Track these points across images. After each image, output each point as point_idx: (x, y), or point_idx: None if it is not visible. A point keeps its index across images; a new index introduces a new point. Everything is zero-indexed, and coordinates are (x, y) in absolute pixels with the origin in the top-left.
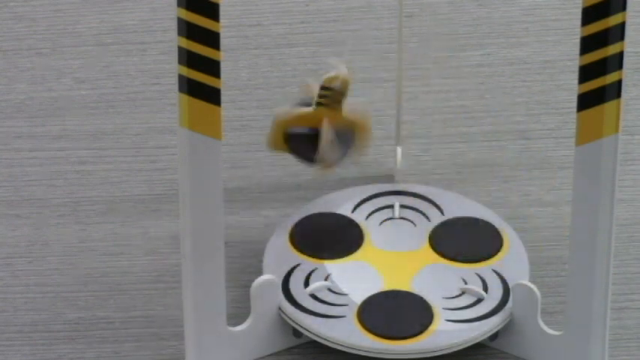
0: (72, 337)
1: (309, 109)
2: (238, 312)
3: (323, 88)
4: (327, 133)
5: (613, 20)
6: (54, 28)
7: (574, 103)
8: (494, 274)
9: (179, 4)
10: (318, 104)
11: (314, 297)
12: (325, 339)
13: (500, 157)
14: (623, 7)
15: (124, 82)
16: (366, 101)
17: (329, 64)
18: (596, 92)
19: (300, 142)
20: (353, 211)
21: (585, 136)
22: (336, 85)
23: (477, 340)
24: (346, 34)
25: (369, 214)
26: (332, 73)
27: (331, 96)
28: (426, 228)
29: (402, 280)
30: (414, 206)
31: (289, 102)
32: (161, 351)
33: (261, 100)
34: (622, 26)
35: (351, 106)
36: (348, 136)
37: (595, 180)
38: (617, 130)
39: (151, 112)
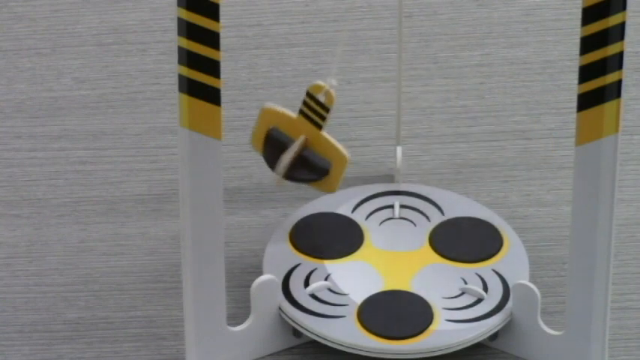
0: (72, 337)
1: (294, 115)
2: (238, 312)
3: (307, 94)
4: (294, 149)
5: (613, 20)
6: (54, 28)
7: (574, 103)
8: (494, 274)
9: (179, 4)
10: (300, 112)
11: (314, 297)
12: (325, 339)
13: (500, 157)
14: (623, 7)
15: (124, 82)
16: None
17: (326, 80)
18: (596, 92)
19: (273, 145)
20: (353, 211)
21: (585, 136)
22: (319, 95)
23: (477, 340)
24: (343, 34)
25: (369, 214)
26: (318, 82)
27: (312, 107)
28: (426, 228)
29: (402, 280)
30: (414, 206)
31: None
32: (161, 351)
33: (261, 100)
34: (622, 26)
35: (337, 141)
36: (320, 163)
37: (595, 180)
38: (617, 130)
39: (151, 112)
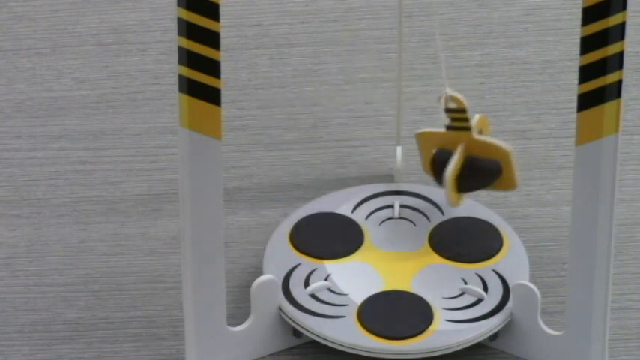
0: (72, 337)
1: (449, 132)
2: (238, 312)
3: (446, 111)
4: (455, 160)
5: (613, 20)
6: (54, 28)
7: (574, 103)
8: (494, 274)
9: (179, 4)
10: (449, 128)
11: (314, 297)
12: (325, 339)
13: None
14: (623, 7)
15: (124, 82)
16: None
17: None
18: (596, 92)
19: (439, 164)
20: (353, 211)
21: (585, 136)
22: (450, 106)
23: (477, 340)
24: (439, 41)
25: (369, 214)
26: (441, 96)
27: (456, 117)
28: (426, 228)
29: (402, 280)
30: (414, 206)
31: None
32: (161, 351)
33: (261, 100)
34: (622, 26)
35: (492, 137)
36: (489, 165)
37: (595, 180)
38: (617, 130)
39: (151, 112)
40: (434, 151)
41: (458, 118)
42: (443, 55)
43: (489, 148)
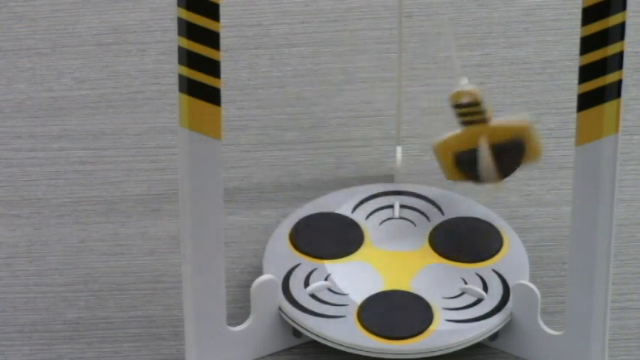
0: (72, 337)
1: (463, 130)
2: (238, 312)
3: (455, 107)
4: (484, 152)
5: (613, 20)
6: (54, 28)
7: (574, 103)
8: (495, 274)
9: (179, 4)
10: (464, 124)
11: (314, 297)
12: (325, 339)
13: None
14: (623, 7)
15: (124, 82)
16: (528, 115)
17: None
18: (596, 92)
19: (467, 164)
20: (353, 211)
21: (585, 136)
22: (466, 100)
23: (477, 340)
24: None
25: (369, 214)
26: (454, 91)
27: (468, 112)
28: (426, 228)
29: (402, 280)
30: (414, 206)
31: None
32: (161, 351)
33: (261, 100)
34: (622, 26)
35: (506, 117)
36: (514, 146)
37: (595, 180)
38: (617, 130)
39: (151, 112)
40: (451, 155)
41: (472, 112)
42: (454, 52)
43: (508, 129)
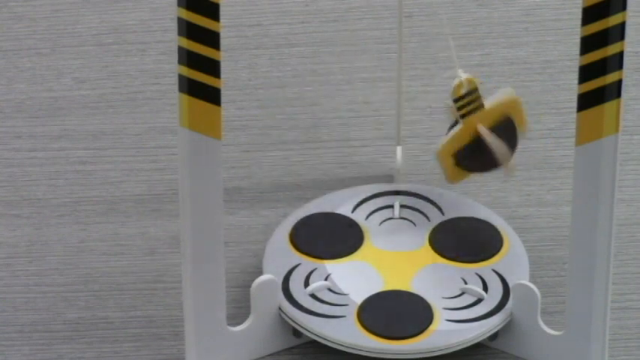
0: (72, 337)
1: (460, 126)
2: (238, 312)
3: (455, 100)
4: (488, 137)
5: (613, 20)
6: (54, 28)
7: (574, 103)
8: (495, 274)
9: (179, 4)
10: (463, 116)
11: (314, 297)
12: (325, 339)
13: None
14: (623, 7)
15: (124, 82)
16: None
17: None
18: (596, 92)
19: (471, 157)
20: (353, 211)
21: (585, 136)
22: (464, 90)
23: (477, 340)
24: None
25: (369, 214)
26: (454, 83)
27: (468, 103)
28: (426, 228)
29: (402, 280)
30: (414, 206)
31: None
32: (161, 351)
33: (261, 100)
34: (622, 26)
35: (492, 97)
36: (508, 123)
37: (595, 180)
38: (617, 130)
39: (151, 112)
40: (453, 155)
41: (471, 100)
42: (452, 43)
43: (497, 109)
